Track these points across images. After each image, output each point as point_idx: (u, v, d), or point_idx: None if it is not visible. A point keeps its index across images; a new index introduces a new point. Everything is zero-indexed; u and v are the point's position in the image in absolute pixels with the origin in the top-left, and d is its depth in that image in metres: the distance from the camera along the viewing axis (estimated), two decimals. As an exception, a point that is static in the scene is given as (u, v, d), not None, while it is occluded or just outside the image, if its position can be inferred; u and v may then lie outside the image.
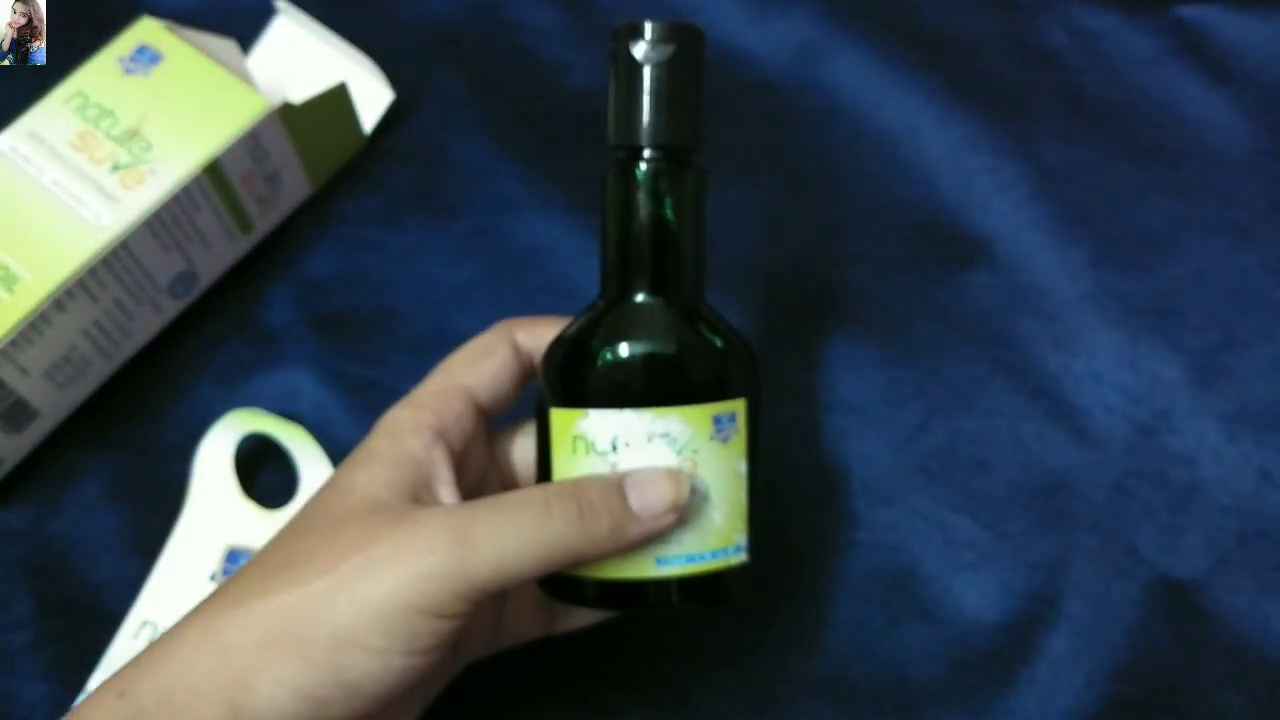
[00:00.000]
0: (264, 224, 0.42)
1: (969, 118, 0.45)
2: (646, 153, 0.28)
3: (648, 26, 0.28)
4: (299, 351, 0.41)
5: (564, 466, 0.28)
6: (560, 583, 0.29)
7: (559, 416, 0.28)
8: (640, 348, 0.28)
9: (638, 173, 0.28)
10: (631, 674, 0.36)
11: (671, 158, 0.28)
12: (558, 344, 0.29)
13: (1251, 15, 0.47)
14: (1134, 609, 0.37)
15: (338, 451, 0.38)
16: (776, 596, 0.37)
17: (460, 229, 0.43)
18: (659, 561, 0.28)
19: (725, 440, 0.28)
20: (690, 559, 0.28)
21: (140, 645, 0.35)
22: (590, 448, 0.27)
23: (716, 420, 0.28)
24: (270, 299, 0.42)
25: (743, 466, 0.29)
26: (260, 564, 0.27)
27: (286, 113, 0.39)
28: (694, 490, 0.28)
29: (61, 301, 0.35)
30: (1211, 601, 0.37)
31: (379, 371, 0.41)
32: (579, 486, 0.27)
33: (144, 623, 0.36)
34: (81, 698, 0.35)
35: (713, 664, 0.36)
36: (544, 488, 0.27)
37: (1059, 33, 0.47)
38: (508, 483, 0.33)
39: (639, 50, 0.28)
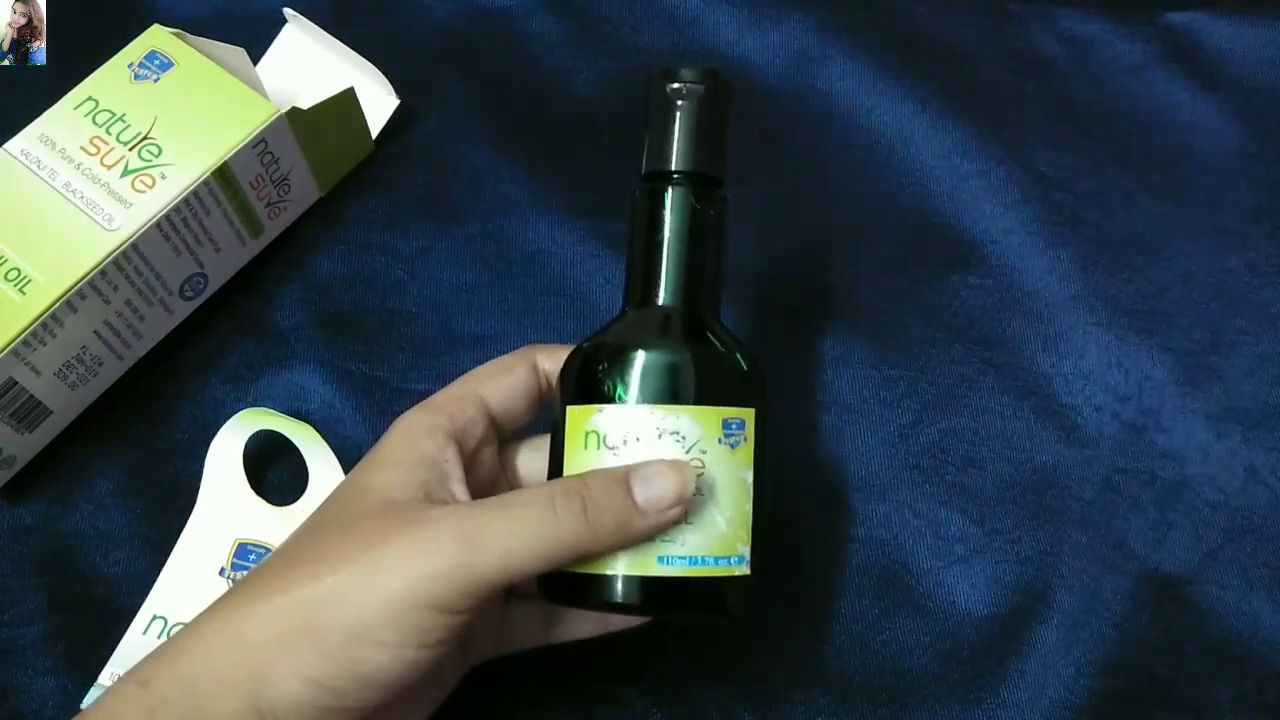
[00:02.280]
0: (273, 227, 0.42)
1: (960, 123, 0.45)
2: (674, 176, 0.31)
3: (681, 69, 0.31)
4: (308, 352, 0.41)
5: (575, 461, 0.28)
6: (560, 583, 0.29)
7: (574, 414, 0.29)
8: (655, 347, 0.29)
9: (665, 192, 0.31)
10: (633, 665, 0.36)
11: (696, 181, 0.31)
12: (576, 351, 0.31)
13: (1240, 21, 0.48)
14: (1123, 603, 0.37)
15: (345, 449, 0.39)
16: (774, 589, 0.37)
17: (465, 232, 0.44)
18: (661, 560, 0.28)
19: (734, 446, 0.28)
20: (693, 561, 0.28)
21: (151, 639, 0.36)
22: (601, 442, 0.28)
23: (726, 424, 0.28)
24: (280, 300, 0.42)
25: (749, 476, 0.29)
26: (279, 560, 0.28)
27: (295, 117, 0.39)
28: (699, 489, 0.28)
29: (73, 303, 0.36)
30: (1200, 596, 0.38)
31: (386, 371, 0.41)
32: (583, 483, 0.27)
33: (154, 616, 0.36)
34: (93, 691, 0.35)
35: (711, 655, 0.37)
36: (549, 485, 0.27)
37: (1049, 40, 0.48)
38: (514, 489, 0.33)
39: (672, 89, 0.31)
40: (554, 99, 0.47)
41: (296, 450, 0.39)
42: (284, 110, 0.39)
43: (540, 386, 0.32)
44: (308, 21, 0.45)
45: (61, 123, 0.38)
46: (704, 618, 0.32)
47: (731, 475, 0.28)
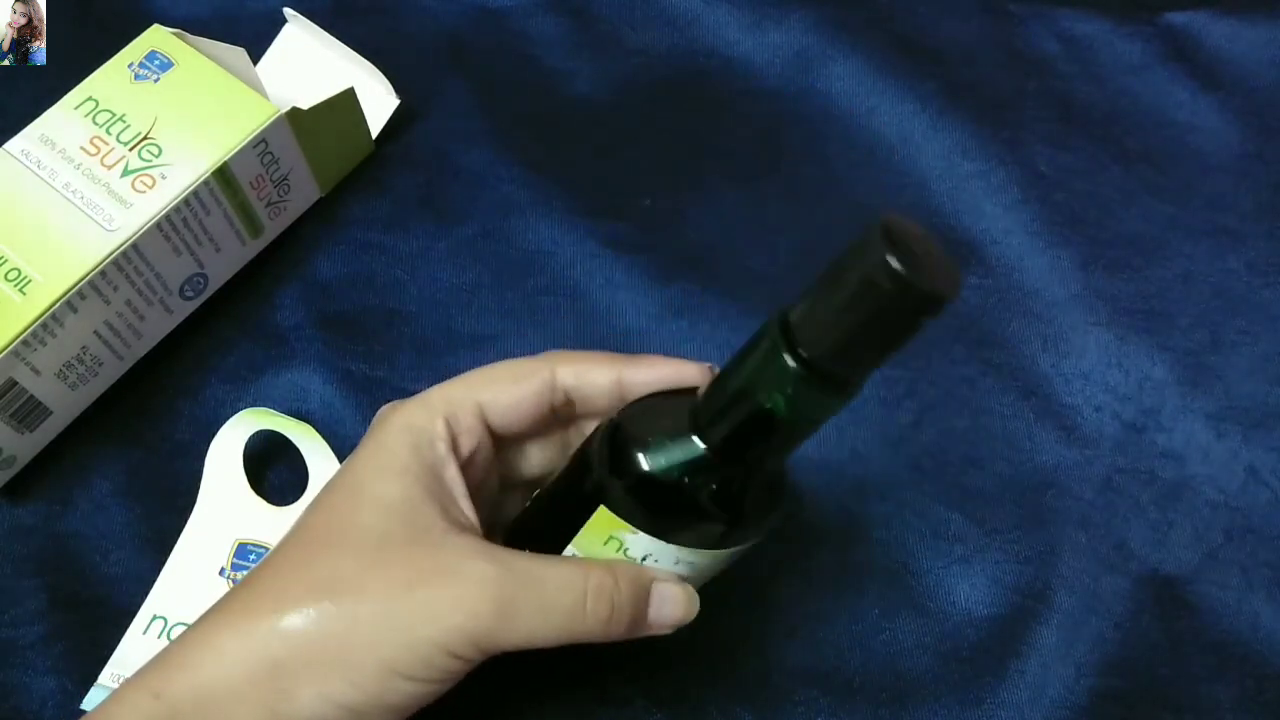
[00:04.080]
0: (273, 227, 0.42)
1: (960, 123, 0.45)
2: (808, 356, 0.24)
3: (924, 278, 0.22)
4: (308, 351, 0.41)
5: (588, 543, 0.28)
6: None
7: (603, 515, 0.28)
8: (706, 513, 0.28)
9: (793, 368, 0.24)
10: (633, 665, 0.36)
11: (837, 384, 0.25)
12: (624, 445, 0.28)
13: (1240, 21, 0.48)
14: (1123, 603, 0.37)
15: (346, 449, 0.39)
16: (773, 590, 0.38)
17: (465, 232, 0.44)
18: None
19: (731, 560, 0.29)
20: None
21: (151, 639, 0.36)
22: (623, 550, 0.28)
23: (733, 554, 0.29)
24: (280, 300, 0.42)
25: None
26: (294, 572, 0.28)
27: (295, 117, 0.40)
28: None
29: (73, 303, 0.36)
30: (1200, 596, 0.38)
31: (386, 371, 0.41)
32: (616, 585, 0.28)
33: (154, 616, 0.36)
34: (93, 691, 0.35)
35: (711, 655, 0.37)
36: (584, 575, 0.27)
37: (1049, 39, 0.48)
38: (506, 484, 0.33)
39: (892, 300, 0.23)
40: (553, 99, 0.47)
41: (296, 450, 0.39)
42: (284, 110, 0.39)
43: (555, 403, 0.31)
44: (308, 21, 0.45)
45: (61, 123, 0.38)
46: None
47: (718, 572, 0.30)
